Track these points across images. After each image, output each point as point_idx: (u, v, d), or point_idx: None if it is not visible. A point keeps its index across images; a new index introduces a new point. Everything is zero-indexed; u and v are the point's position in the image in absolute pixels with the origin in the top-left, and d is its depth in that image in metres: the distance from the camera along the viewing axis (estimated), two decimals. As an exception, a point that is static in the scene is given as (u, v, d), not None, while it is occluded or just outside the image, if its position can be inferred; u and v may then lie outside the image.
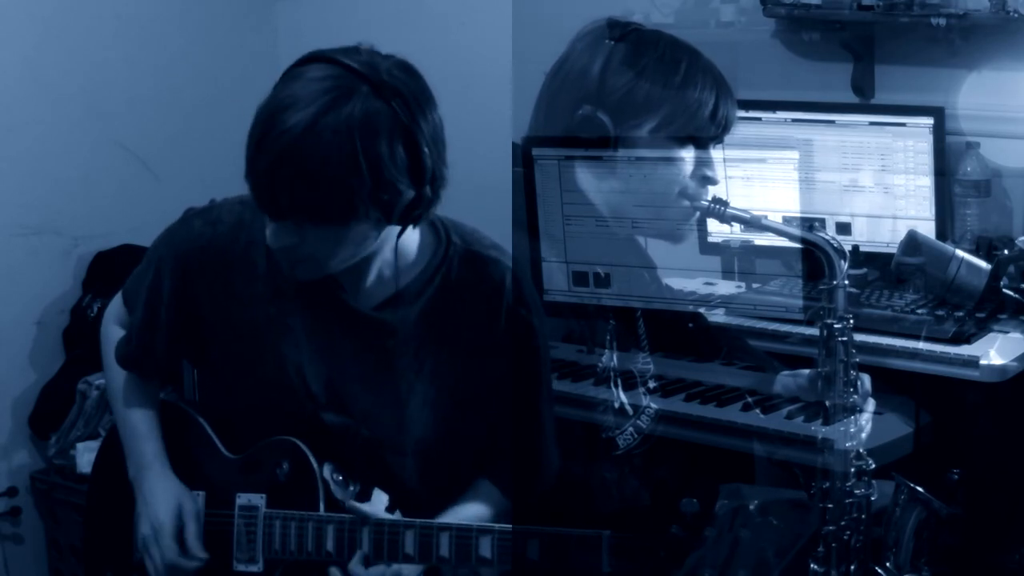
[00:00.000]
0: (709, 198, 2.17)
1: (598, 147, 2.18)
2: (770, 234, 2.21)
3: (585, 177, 2.20)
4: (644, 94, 2.13)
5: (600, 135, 2.14)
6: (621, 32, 2.17)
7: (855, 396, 2.11)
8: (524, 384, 2.10)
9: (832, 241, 2.09)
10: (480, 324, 2.06)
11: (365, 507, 2.02)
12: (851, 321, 2.10)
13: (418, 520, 1.99)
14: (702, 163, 2.18)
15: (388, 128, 1.83)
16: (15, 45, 3.36)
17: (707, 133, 2.17)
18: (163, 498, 2.11)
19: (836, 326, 2.10)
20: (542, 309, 2.13)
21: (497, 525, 1.94)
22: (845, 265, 2.09)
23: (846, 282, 2.10)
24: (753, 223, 2.18)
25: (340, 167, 1.81)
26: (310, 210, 1.85)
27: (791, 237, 2.18)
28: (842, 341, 2.10)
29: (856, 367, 2.11)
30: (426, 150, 1.86)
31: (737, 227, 2.21)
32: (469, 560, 1.94)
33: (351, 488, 2.06)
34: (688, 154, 2.17)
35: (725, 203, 2.15)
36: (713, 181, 2.18)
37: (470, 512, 2.09)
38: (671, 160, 2.16)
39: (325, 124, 1.81)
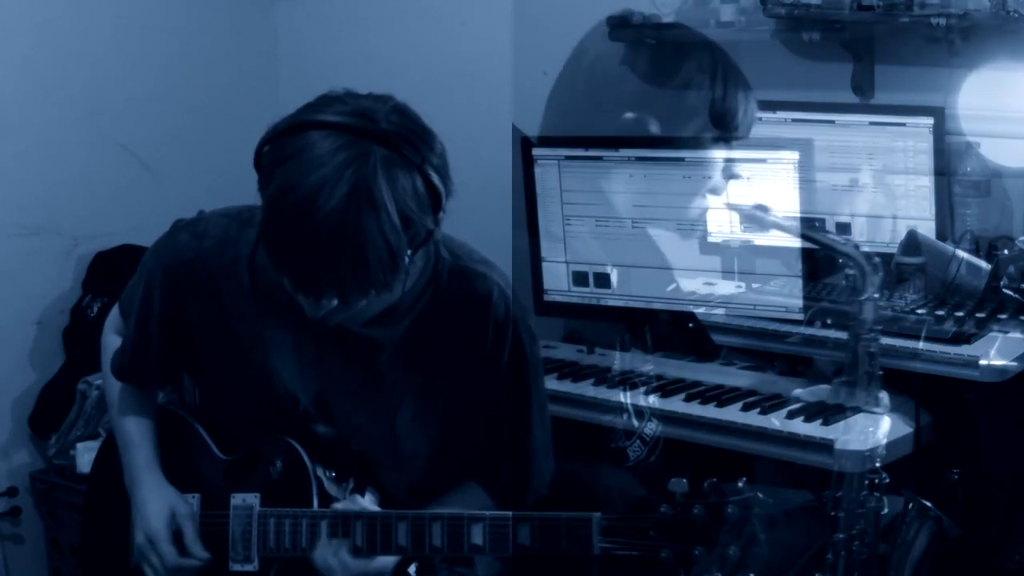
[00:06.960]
0: (751, 204, 2.21)
1: (601, 147, 2.18)
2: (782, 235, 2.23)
3: (606, 178, 2.21)
4: (686, 98, 2.16)
5: (647, 137, 2.16)
6: (657, 37, 2.21)
7: (875, 409, 2.11)
8: (514, 397, 2.10)
9: (869, 255, 2.09)
10: (468, 338, 2.05)
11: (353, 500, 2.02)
12: (880, 334, 2.11)
13: (410, 511, 1.99)
14: (729, 161, 2.25)
15: (408, 175, 1.81)
16: (15, 45, 3.35)
17: (737, 134, 2.25)
18: (155, 506, 2.11)
19: (865, 337, 2.10)
20: (532, 323, 2.13)
21: (488, 512, 1.95)
22: (878, 279, 2.09)
23: (876, 295, 2.10)
24: (792, 231, 2.20)
25: (382, 235, 1.78)
26: (359, 284, 1.82)
27: (832, 251, 2.19)
28: (869, 352, 2.11)
29: (880, 380, 2.12)
30: (438, 179, 1.84)
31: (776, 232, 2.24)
32: (461, 548, 1.94)
33: (344, 485, 2.07)
34: (721, 154, 2.20)
35: (766, 209, 2.18)
36: (737, 176, 2.24)
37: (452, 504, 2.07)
38: (705, 162, 2.17)
39: (358, 199, 1.76)
